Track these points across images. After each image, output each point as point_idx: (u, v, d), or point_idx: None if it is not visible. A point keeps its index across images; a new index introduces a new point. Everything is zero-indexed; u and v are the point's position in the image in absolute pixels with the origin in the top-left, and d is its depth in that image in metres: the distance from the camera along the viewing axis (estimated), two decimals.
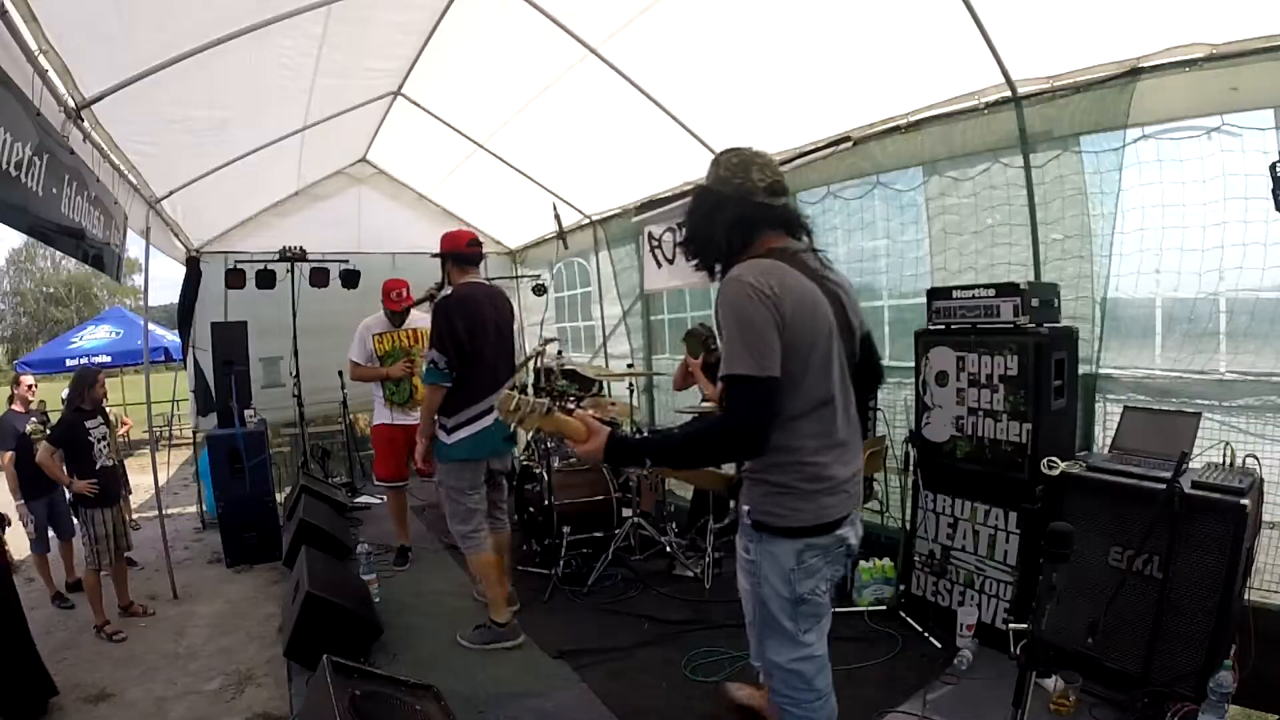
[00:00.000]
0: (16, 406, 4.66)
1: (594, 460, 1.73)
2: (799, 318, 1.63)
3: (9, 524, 3.66)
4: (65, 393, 5.16)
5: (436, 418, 3.25)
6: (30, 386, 4.79)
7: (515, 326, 3.55)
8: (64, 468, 3.89)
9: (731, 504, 4.15)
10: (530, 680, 2.99)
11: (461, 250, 3.43)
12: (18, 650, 3.06)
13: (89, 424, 4.02)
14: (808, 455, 1.71)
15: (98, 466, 3.95)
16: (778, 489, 1.73)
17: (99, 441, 4.03)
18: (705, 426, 1.73)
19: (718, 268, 1.83)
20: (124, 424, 4.50)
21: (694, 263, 1.89)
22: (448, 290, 3.38)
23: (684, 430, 1.79)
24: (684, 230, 1.88)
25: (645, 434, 1.76)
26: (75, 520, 4.16)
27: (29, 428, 4.51)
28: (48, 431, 4.43)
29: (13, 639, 3.05)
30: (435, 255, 3.51)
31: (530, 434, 1.73)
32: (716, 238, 1.79)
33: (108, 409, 6.25)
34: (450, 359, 3.15)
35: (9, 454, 4.45)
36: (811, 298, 1.67)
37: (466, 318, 3.20)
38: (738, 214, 1.76)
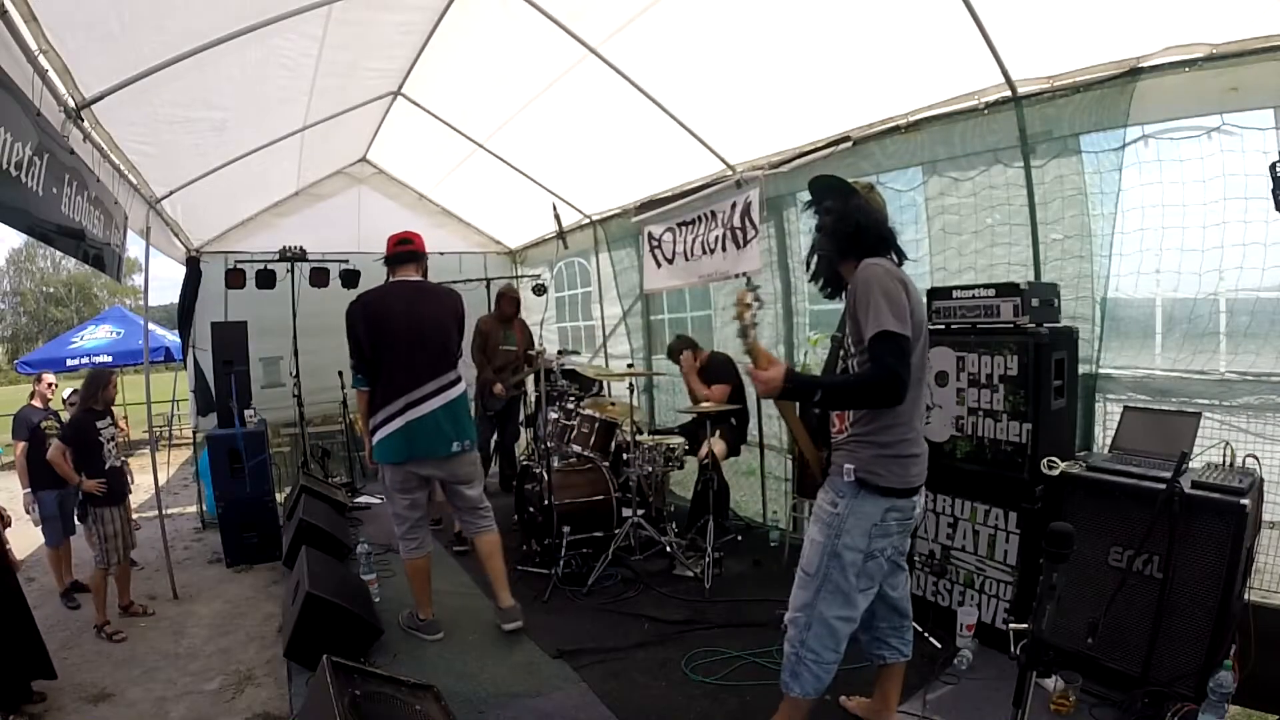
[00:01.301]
0: (35, 402, 4.76)
1: (770, 390, 1.94)
2: (915, 306, 2.02)
3: (8, 524, 3.68)
4: (67, 393, 5.21)
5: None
6: (51, 385, 4.90)
7: (455, 321, 3.44)
8: (73, 466, 3.94)
9: (704, 503, 4.15)
10: (530, 680, 2.99)
11: (392, 251, 3.41)
12: (21, 639, 3.07)
13: (99, 424, 4.06)
14: (910, 423, 2.07)
15: (107, 466, 4.00)
16: (884, 450, 2.04)
17: (108, 442, 4.08)
18: (865, 373, 1.99)
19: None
20: (120, 429, 4.59)
21: (838, 254, 2.18)
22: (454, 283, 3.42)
23: (842, 376, 2.13)
24: (837, 223, 2.17)
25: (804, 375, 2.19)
26: (86, 519, 4.18)
27: (44, 422, 4.59)
28: (60, 428, 4.55)
29: (16, 628, 3.06)
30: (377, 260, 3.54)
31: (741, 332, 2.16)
32: (864, 241, 2.12)
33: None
34: (355, 362, 3.21)
35: (22, 444, 4.54)
36: (919, 296, 2.10)
37: (368, 319, 3.21)
38: (885, 230, 2.16)
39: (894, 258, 2.15)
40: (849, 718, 2.60)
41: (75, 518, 4.88)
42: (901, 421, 2.04)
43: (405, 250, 3.41)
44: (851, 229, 2.12)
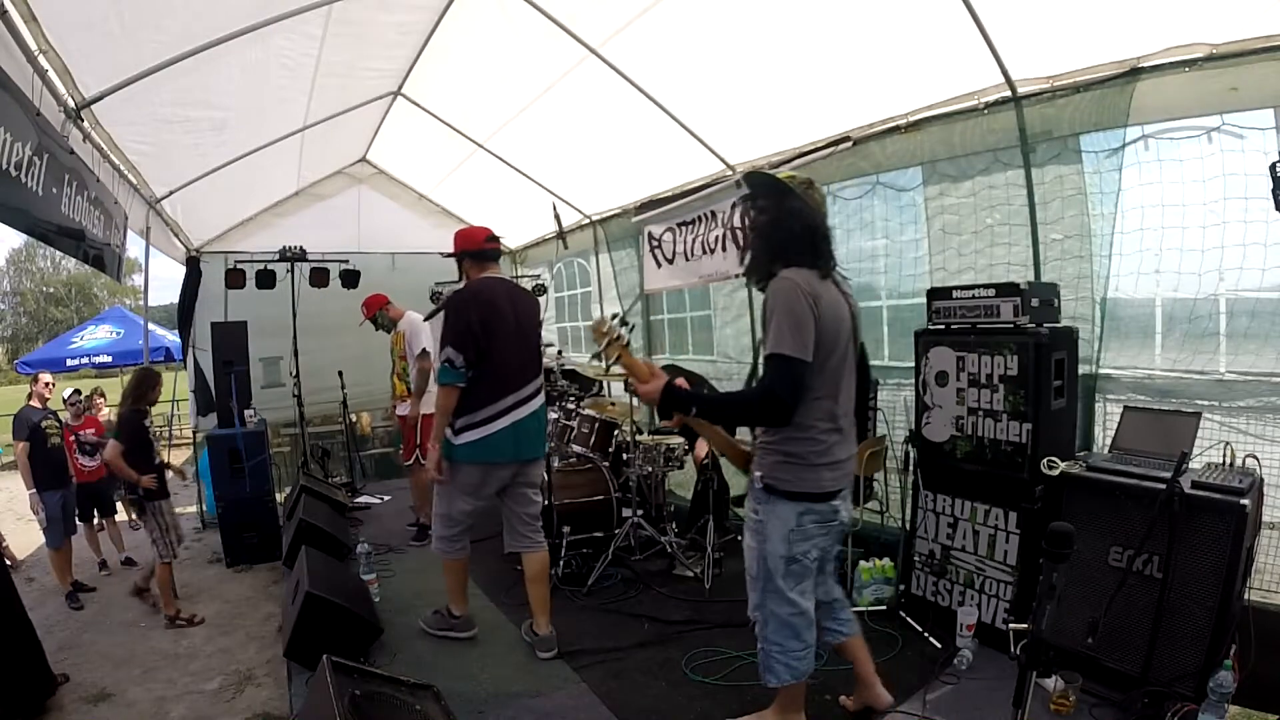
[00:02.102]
0: (34, 402, 4.77)
1: (649, 400, 2.06)
2: (827, 320, 2.03)
3: None
4: (67, 393, 5.21)
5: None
6: (48, 384, 4.91)
7: (541, 327, 3.41)
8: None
9: (704, 503, 4.15)
10: (530, 680, 2.98)
11: (481, 247, 3.25)
12: (18, 646, 3.06)
13: (146, 422, 4.16)
14: (818, 434, 2.09)
15: (157, 462, 4.13)
16: (789, 459, 2.10)
17: (155, 440, 4.20)
18: (748, 393, 2.07)
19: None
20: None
21: (770, 258, 2.18)
22: (461, 285, 3.25)
23: (728, 394, 2.08)
24: (769, 226, 2.18)
25: (677, 384, 2.14)
26: (143, 514, 4.24)
27: (44, 422, 4.59)
28: (59, 426, 4.67)
29: (13, 634, 3.05)
30: (448, 255, 3.36)
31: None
32: (793, 249, 2.12)
33: (109, 411, 6.28)
34: (468, 356, 2.97)
35: (23, 444, 4.54)
36: (837, 307, 2.10)
37: (482, 311, 3.03)
38: (818, 235, 2.15)
39: (826, 264, 2.13)
40: (851, 717, 2.60)
41: (76, 518, 4.89)
42: (806, 435, 2.07)
43: (494, 247, 3.30)
44: (783, 234, 2.12)
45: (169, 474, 4.33)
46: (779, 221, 2.13)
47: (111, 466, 4.02)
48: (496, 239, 3.35)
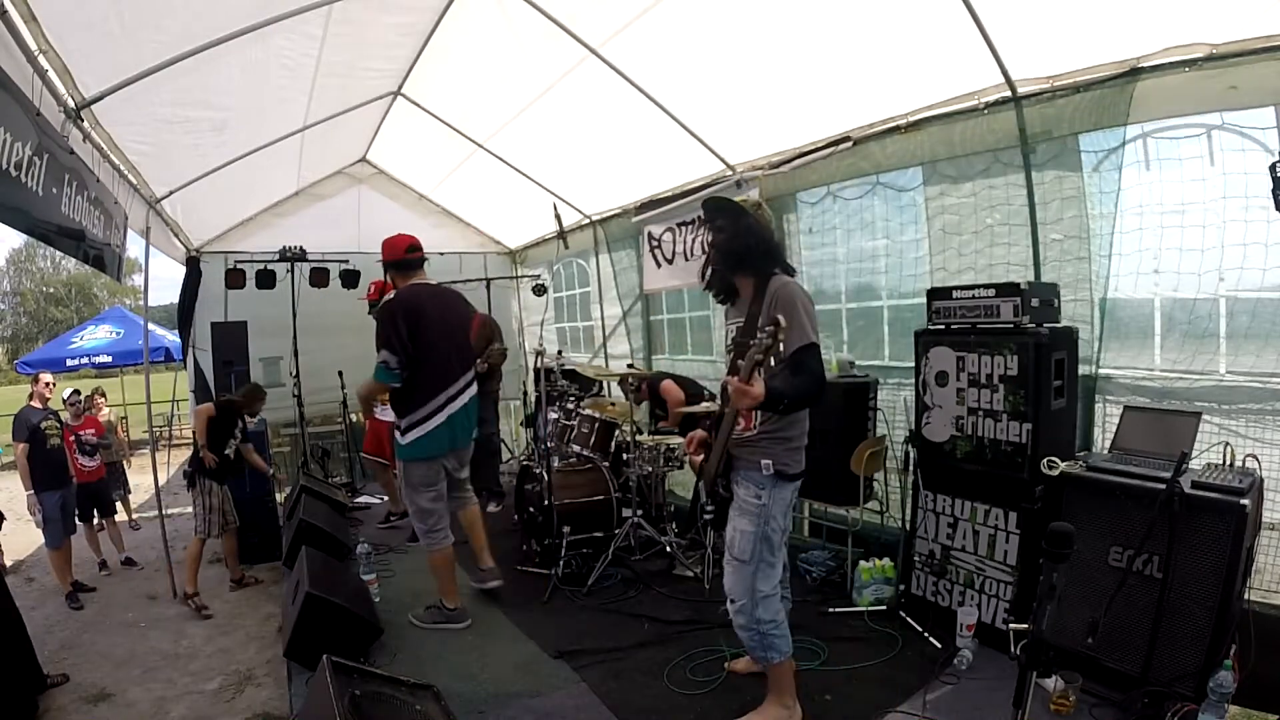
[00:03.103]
0: (35, 402, 4.77)
1: (755, 402, 2.13)
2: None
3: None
4: (66, 393, 5.20)
5: (394, 419, 3.44)
6: (48, 384, 4.92)
7: (469, 320, 3.72)
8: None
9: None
10: (530, 680, 2.98)
11: (401, 257, 3.48)
12: (10, 647, 3.06)
13: (238, 421, 4.56)
14: (804, 418, 2.40)
15: (226, 452, 4.46)
16: (792, 443, 2.36)
17: (232, 440, 4.52)
18: (807, 382, 2.24)
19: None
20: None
21: (730, 270, 2.46)
22: (390, 295, 3.47)
23: (793, 383, 2.24)
24: (734, 243, 2.41)
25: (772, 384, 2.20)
26: (192, 488, 4.46)
27: (44, 423, 4.60)
28: (59, 427, 4.75)
29: (6, 636, 3.05)
30: (380, 262, 3.59)
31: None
32: (759, 256, 2.38)
33: (109, 411, 6.28)
34: (401, 359, 3.24)
35: (22, 445, 4.54)
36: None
37: (410, 319, 3.27)
38: (776, 246, 2.48)
39: (790, 269, 2.44)
40: (842, 707, 2.60)
41: (76, 518, 4.89)
42: (802, 418, 2.38)
43: (417, 256, 3.54)
44: (741, 248, 2.39)
45: (269, 471, 4.98)
46: (738, 237, 2.39)
47: (195, 423, 4.39)
48: (419, 248, 3.56)
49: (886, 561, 3.49)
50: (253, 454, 4.75)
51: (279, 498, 5.81)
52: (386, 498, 5.62)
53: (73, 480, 4.84)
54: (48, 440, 4.58)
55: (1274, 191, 2.29)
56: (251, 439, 5.01)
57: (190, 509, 4.27)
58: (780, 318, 2.00)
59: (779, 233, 2.44)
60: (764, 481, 2.33)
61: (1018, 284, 2.91)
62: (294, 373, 6.08)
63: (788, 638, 2.43)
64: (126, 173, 3.86)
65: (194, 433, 4.45)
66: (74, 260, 3.36)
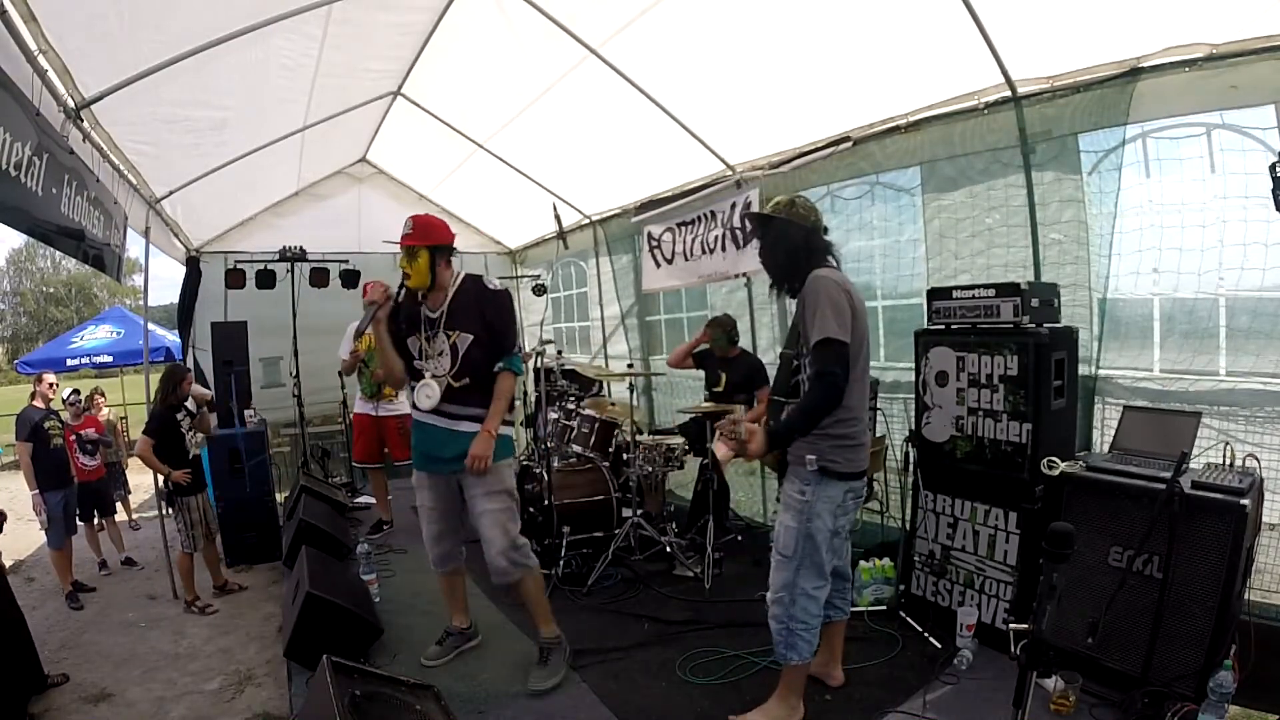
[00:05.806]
0: (37, 402, 4.75)
1: (761, 452, 2.28)
2: (859, 312, 2.30)
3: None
4: (67, 393, 5.20)
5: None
6: (51, 385, 4.91)
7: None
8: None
9: (704, 503, 4.12)
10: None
11: (452, 241, 3.06)
12: (12, 644, 3.06)
13: (179, 416, 4.28)
14: (857, 415, 2.35)
15: (190, 456, 4.29)
16: (841, 441, 2.31)
17: (188, 434, 4.32)
18: (811, 397, 2.26)
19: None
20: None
21: (779, 283, 2.49)
22: (494, 281, 3.04)
23: (798, 408, 2.29)
24: (771, 255, 2.46)
25: (772, 424, 2.37)
26: (173, 506, 4.37)
27: (46, 422, 4.60)
28: (61, 426, 4.73)
29: (7, 633, 3.05)
30: (428, 246, 2.99)
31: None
32: (800, 260, 2.38)
33: (109, 411, 6.27)
34: (514, 345, 3.00)
35: (25, 445, 4.53)
36: (861, 302, 2.34)
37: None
38: (814, 241, 2.42)
39: (833, 259, 2.43)
40: (842, 707, 2.61)
41: (77, 518, 4.88)
42: (853, 415, 2.33)
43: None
44: (771, 264, 2.45)
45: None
46: (775, 248, 2.42)
47: (142, 460, 4.17)
48: None
49: (886, 561, 3.49)
50: (207, 417, 4.72)
51: (279, 498, 5.81)
52: (375, 502, 5.54)
53: (74, 480, 4.83)
54: (50, 440, 4.58)
55: (1274, 191, 2.29)
56: (249, 439, 5.02)
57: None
58: (739, 409, 2.07)
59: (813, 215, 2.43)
60: (809, 478, 2.32)
61: (1018, 284, 2.91)
62: (294, 373, 6.07)
63: (814, 644, 2.40)
64: (126, 173, 3.86)
65: (153, 470, 4.20)
66: (74, 260, 3.36)
